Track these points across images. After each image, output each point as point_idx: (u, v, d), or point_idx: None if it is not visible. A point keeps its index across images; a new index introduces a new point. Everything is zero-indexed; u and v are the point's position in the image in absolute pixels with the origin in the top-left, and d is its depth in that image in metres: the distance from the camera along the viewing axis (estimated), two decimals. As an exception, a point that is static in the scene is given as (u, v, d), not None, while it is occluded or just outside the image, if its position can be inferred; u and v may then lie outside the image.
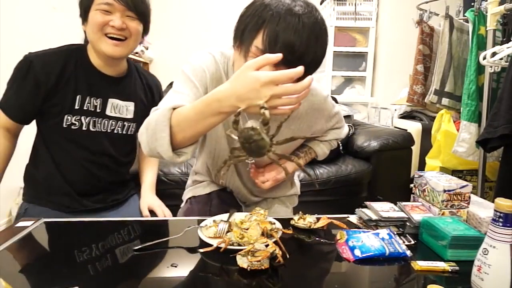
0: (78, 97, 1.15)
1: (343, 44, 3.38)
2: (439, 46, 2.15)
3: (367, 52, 3.41)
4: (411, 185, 1.02)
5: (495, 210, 0.61)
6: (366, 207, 0.96)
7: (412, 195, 1.02)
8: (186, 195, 1.23)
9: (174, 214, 1.21)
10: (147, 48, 3.36)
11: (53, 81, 1.12)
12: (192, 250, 0.78)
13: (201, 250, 0.75)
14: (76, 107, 1.15)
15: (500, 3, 1.74)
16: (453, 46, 2.13)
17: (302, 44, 0.77)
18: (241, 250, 0.70)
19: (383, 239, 0.78)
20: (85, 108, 1.16)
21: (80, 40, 1.23)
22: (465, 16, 1.99)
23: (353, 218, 0.96)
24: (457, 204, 0.89)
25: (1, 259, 0.74)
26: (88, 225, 0.95)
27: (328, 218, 0.90)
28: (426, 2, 2.30)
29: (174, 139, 0.78)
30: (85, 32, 1.17)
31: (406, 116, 2.83)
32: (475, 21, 1.91)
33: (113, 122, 1.22)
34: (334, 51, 3.35)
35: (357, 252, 0.75)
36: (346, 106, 2.65)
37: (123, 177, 1.32)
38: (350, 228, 0.88)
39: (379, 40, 3.43)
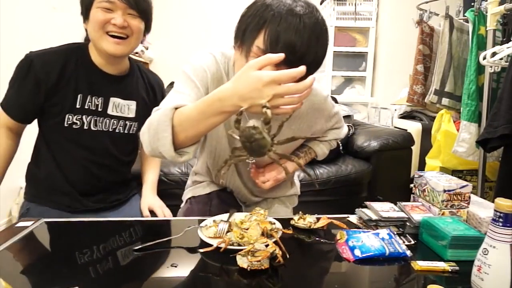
0: (79, 96, 1.14)
1: (343, 44, 3.38)
2: (439, 46, 2.15)
3: (367, 52, 3.41)
4: (411, 185, 1.02)
5: (495, 210, 0.61)
6: (366, 207, 0.96)
7: (412, 195, 1.02)
8: (186, 195, 1.23)
9: (174, 214, 1.21)
10: (147, 48, 3.36)
11: (54, 80, 1.11)
12: (192, 250, 0.78)
13: (201, 250, 0.75)
14: (77, 106, 1.14)
15: (500, 3, 1.74)
16: (453, 46, 2.13)
17: (303, 44, 0.78)
18: (241, 250, 0.70)
19: (383, 239, 0.78)
20: (86, 107, 1.15)
21: (80, 40, 1.22)
22: (465, 16, 1.99)
23: (353, 218, 0.96)
24: (457, 204, 0.89)
25: (1, 259, 0.74)
26: (88, 225, 0.95)
27: (328, 218, 0.90)
28: (426, 2, 2.30)
29: (176, 139, 0.78)
30: (86, 30, 1.16)
31: (406, 116, 2.83)
32: (475, 21, 1.91)
33: (115, 121, 1.21)
34: (334, 51, 3.35)
35: (357, 252, 0.75)
36: (346, 106, 2.65)
37: (124, 176, 1.32)
38: (350, 228, 0.88)
39: (379, 40, 3.43)
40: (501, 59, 1.62)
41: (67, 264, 0.72)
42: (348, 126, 2.28)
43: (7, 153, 1.17)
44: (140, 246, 0.77)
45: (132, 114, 1.24)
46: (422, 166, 2.40)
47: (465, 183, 0.89)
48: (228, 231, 0.81)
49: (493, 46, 1.76)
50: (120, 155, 1.25)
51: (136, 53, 3.19)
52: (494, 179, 2.00)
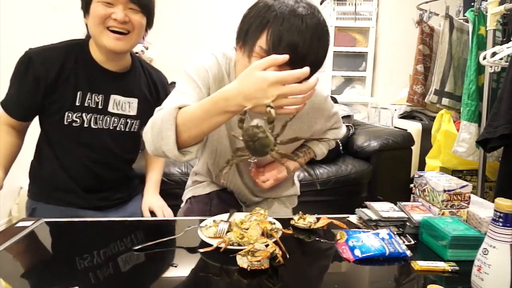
0: (78, 93, 1.12)
1: (343, 44, 3.38)
2: (439, 46, 2.15)
3: (367, 52, 3.41)
4: (411, 185, 1.02)
5: (495, 210, 0.61)
6: (366, 207, 0.96)
7: (412, 195, 1.02)
8: (186, 195, 1.23)
9: (174, 214, 1.21)
10: (147, 48, 3.36)
11: (53, 77, 1.09)
12: (192, 250, 0.78)
13: (201, 250, 0.75)
14: (77, 103, 1.13)
15: (500, 3, 1.74)
16: (453, 46, 2.13)
17: (305, 45, 0.79)
18: (241, 250, 0.70)
19: (383, 239, 0.78)
20: (86, 104, 1.14)
21: (81, 39, 1.22)
22: (465, 16, 1.99)
23: (353, 218, 0.96)
24: (457, 204, 0.89)
25: (1, 259, 0.74)
26: (88, 225, 0.95)
27: (328, 218, 0.90)
28: (426, 2, 2.30)
29: (179, 138, 0.78)
30: (86, 25, 1.13)
31: (406, 116, 2.83)
32: (475, 21, 1.91)
33: (116, 119, 1.19)
34: (334, 51, 3.35)
35: (357, 252, 0.75)
36: (346, 106, 2.65)
37: (127, 174, 1.31)
38: (350, 228, 0.88)
39: (379, 40, 3.43)
40: (501, 59, 1.62)
41: (67, 264, 0.72)
42: (348, 126, 2.30)
43: (10, 151, 1.16)
44: (140, 246, 0.77)
45: (133, 112, 1.22)
46: (422, 166, 2.40)
47: (465, 183, 0.89)
48: (228, 231, 0.81)
49: (493, 46, 1.76)
50: (121, 153, 1.24)
51: (136, 53, 3.18)
52: (494, 179, 2.00)
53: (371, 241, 0.77)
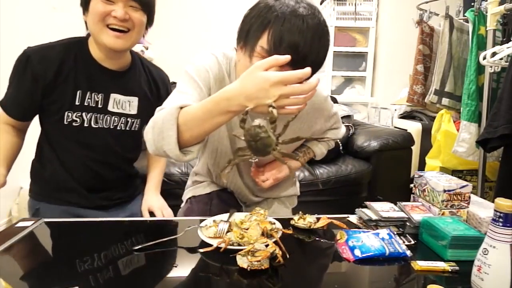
0: (78, 92, 1.11)
1: (343, 44, 3.38)
2: (439, 46, 2.15)
3: (367, 52, 3.41)
4: (411, 185, 1.02)
5: (495, 210, 0.61)
6: (366, 207, 0.96)
7: (412, 195, 1.02)
8: (186, 195, 1.23)
9: (175, 214, 1.21)
10: (147, 48, 3.35)
11: (51, 76, 1.08)
12: (192, 250, 0.78)
13: (201, 250, 0.75)
14: (77, 103, 1.12)
15: (500, 3, 1.74)
16: (453, 46, 2.13)
17: (306, 45, 0.79)
18: (241, 250, 0.70)
19: (383, 239, 0.78)
20: (86, 104, 1.13)
21: (81, 39, 1.21)
22: (465, 16, 1.99)
23: (353, 218, 0.96)
24: (457, 204, 0.89)
25: (1, 259, 0.74)
26: (88, 225, 0.95)
27: (328, 218, 0.90)
28: (426, 2, 2.30)
29: (180, 138, 0.79)
30: (86, 23, 1.11)
31: (406, 116, 2.83)
32: (475, 21, 1.91)
33: (116, 118, 1.18)
34: (334, 51, 3.35)
35: (357, 252, 0.75)
36: (346, 106, 2.65)
37: (127, 173, 1.30)
38: (350, 228, 0.88)
39: (379, 40, 3.43)
40: (501, 59, 1.62)
41: (67, 264, 0.72)
42: (348, 126, 2.30)
43: (10, 150, 1.15)
44: (140, 246, 0.77)
45: (133, 111, 1.21)
46: (422, 166, 2.40)
47: (465, 183, 0.89)
48: (228, 231, 0.81)
49: (493, 46, 1.76)
50: (122, 152, 1.23)
51: (136, 53, 3.18)
52: (494, 179, 2.00)
53: (371, 241, 0.77)
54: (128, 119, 1.21)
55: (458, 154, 1.98)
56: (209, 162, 1.14)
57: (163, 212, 1.25)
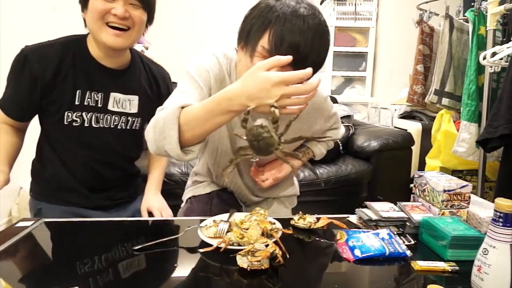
0: (77, 92, 1.10)
1: (343, 44, 3.38)
2: (439, 46, 2.15)
3: (367, 52, 3.41)
4: (411, 185, 1.02)
5: (495, 210, 0.61)
6: (366, 207, 0.96)
7: (412, 195, 1.02)
8: (186, 195, 1.23)
9: (174, 214, 1.21)
10: (147, 48, 3.36)
11: (50, 76, 1.07)
12: (192, 250, 0.78)
13: (201, 250, 0.75)
14: (76, 102, 1.10)
15: (500, 3, 1.74)
16: (453, 46, 2.13)
17: (307, 45, 0.80)
18: (241, 250, 0.70)
19: (383, 239, 0.78)
20: (85, 103, 1.11)
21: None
22: (465, 16, 1.99)
23: (353, 218, 0.96)
24: (457, 204, 0.89)
25: (1, 259, 0.74)
26: (88, 225, 0.95)
27: (328, 218, 0.90)
28: (426, 2, 2.30)
29: (182, 138, 0.79)
30: (84, 20, 1.09)
31: (406, 116, 2.83)
32: (475, 21, 1.91)
33: (116, 118, 1.17)
34: (334, 51, 3.35)
35: (357, 252, 0.75)
36: (346, 106, 2.65)
37: (128, 172, 1.29)
38: (350, 228, 0.88)
39: (379, 40, 3.43)
40: (501, 59, 1.62)
41: (67, 264, 0.72)
42: (348, 126, 2.30)
43: (11, 150, 1.13)
44: (140, 246, 0.77)
45: (134, 110, 1.20)
46: (422, 166, 2.40)
47: (465, 183, 0.89)
48: (228, 231, 0.81)
49: (493, 46, 1.76)
50: (123, 151, 1.22)
51: (136, 50, 3.17)
52: (494, 179, 2.00)
53: (371, 241, 0.77)
54: (129, 118, 1.20)
55: (458, 154, 1.98)
56: (209, 162, 1.14)
57: (162, 213, 1.24)
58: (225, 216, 0.91)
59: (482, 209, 0.90)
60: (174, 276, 0.71)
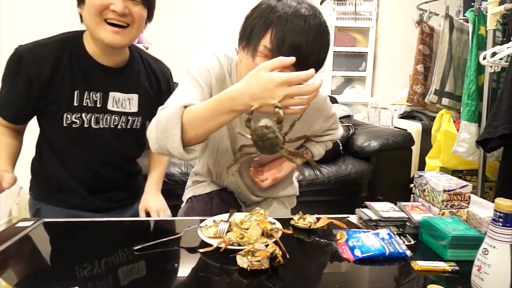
0: (75, 92, 1.06)
1: (343, 44, 3.38)
2: (439, 46, 2.15)
3: (367, 52, 3.41)
4: (411, 185, 1.02)
5: (495, 210, 0.61)
6: (366, 207, 0.96)
7: (412, 195, 1.02)
8: (186, 195, 1.23)
9: (174, 214, 1.21)
10: (147, 48, 3.35)
11: (47, 75, 1.03)
12: (192, 250, 0.78)
13: (201, 250, 0.75)
14: (75, 104, 1.07)
15: (500, 3, 1.74)
16: (453, 46, 2.13)
17: (308, 45, 0.80)
18: (241, 250, 0.70)
19: (383, 239, 0.78)
20: (84, 104, 1.08)
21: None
22: (465, 16, 1.99)
23: (353, 218, 0.96)
24: (457, 204, 0.89)
25: (1, 259, 0.74)
26: (88, 225, 0.94)
27: (328, 218, 0.90)
28: (426, 2, 2.30)
29: (184, 137, 0.79)
30: (81, 16, 1.04)
31: (406, 116, 2.83)
32: (475, 21, 1.91)
33: (116, 117, 1.14)
34: (334, 51, 3.35)
35: (357, 252, 0.75)
36: (346, 106, 2.65)
37: (129, 172, 1.28)
38: (350, 228, 0.88)
39: (379, 40, 3.43)
40: (501, 59, 1.62)
41: (67, 264, 0.72)
42: (348, 126, 2.30)
43: (10, 152, 1.11)
44: (140, 246, 0.77)
45: (134, 109, 1.17)
46: (422, 166, 2.40)
47: (465, 183, 0.89)
48: (228, 231, 0.81)
49: (493, 46, 1.76)
50: (124, 151, 1.20)
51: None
52: (494, 179, 2.00)
53: (371, 241, 0.77)
54: (129, 117, 1.17)
55: (458, 154, 1.98)
56: (210, 162, 1.14)
57: (161, 213, 1.20)
58: (225, 216, 0.91)
59: (482, 209, 0.90)
60: (174, 276, 0.71)
